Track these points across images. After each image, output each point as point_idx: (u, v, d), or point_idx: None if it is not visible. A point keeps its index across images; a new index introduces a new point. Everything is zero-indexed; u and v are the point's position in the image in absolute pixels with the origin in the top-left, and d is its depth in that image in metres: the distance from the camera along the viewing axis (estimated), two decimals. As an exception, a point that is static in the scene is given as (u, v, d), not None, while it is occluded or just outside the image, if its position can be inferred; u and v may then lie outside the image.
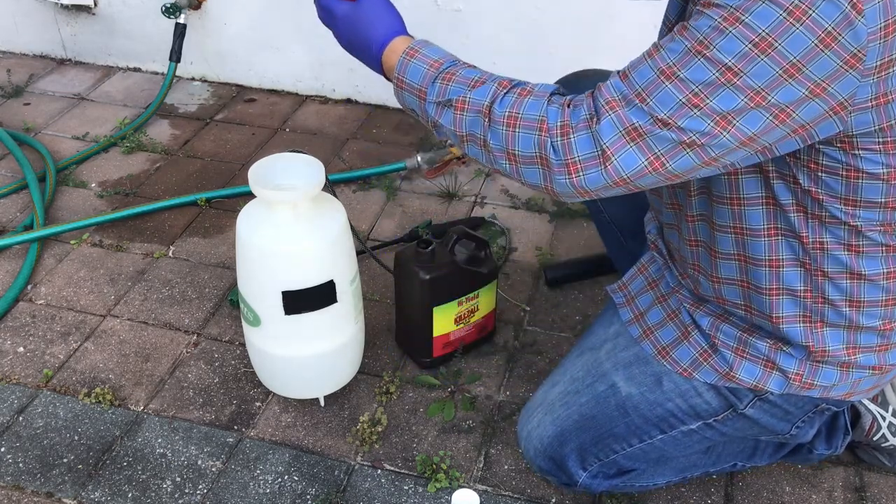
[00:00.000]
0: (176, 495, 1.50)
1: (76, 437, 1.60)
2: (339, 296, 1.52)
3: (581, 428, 1.36)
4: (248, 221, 1.49)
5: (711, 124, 0.97)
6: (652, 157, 1.00)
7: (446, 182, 2.31)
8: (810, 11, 0.91)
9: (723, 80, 0.96)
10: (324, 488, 1.51)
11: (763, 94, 0.95)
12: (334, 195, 1.60)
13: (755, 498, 1.52)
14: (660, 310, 1.34)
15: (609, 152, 1.00)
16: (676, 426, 1.32)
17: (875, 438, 1.52)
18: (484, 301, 1.73)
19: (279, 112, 2.68)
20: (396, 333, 1.82)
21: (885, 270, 1.14)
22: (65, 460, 1.56)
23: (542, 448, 1.40)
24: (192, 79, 2.85)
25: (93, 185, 2.32)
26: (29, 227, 2.12)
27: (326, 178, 1.47)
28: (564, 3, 2.33)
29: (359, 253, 1.70)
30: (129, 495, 1.49)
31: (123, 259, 2.05)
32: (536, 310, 1.92)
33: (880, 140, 1.02)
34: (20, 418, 1.64)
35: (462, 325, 1.72)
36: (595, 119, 1.02)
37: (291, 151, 1.56)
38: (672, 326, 1.32)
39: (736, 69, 0.95)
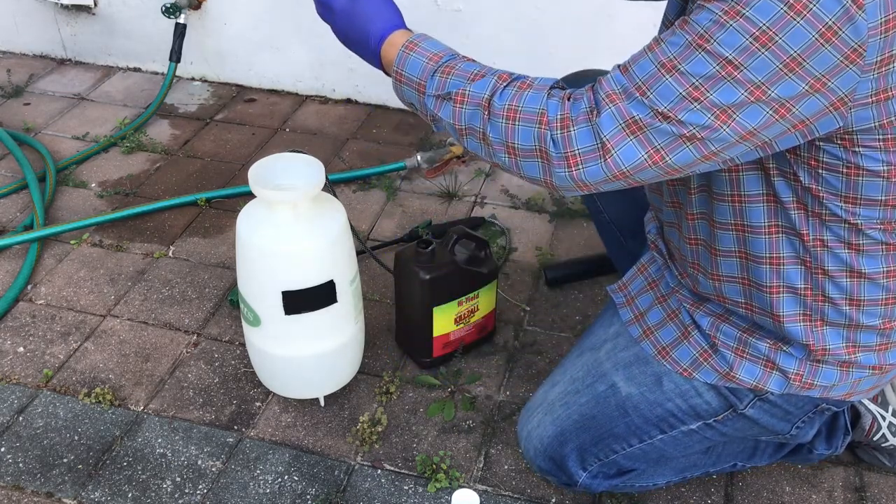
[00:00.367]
0: (176, 495, 1.50)
1: (76, 437, 1.60)
2: (339, 296, 1.52)
3: (581, 428, 1.36)
4: (248, 221, 1.49)
5: (711, 118, 0.98)
6: (652, 151, 1.00)
7: (446, 182, 2.31)
8: (811, 6, 0.91)
9: (723, 73, 0.96)
10: (324, 488, 1.51)
11: (763, 88, 0.96)
12: (334, 195, 1.60)
13: (755, 498, 1.52)
14: (660, 310, 1.34)
15: (609, 145, 1.01)
16: (676, 426, 1.32)
17: (875, 438, 1.52)
18: (484, 301, 1.73)
19: (279, 112, 2.68)
20: (396, 333, 1.82)
21: (885, 269, 1.14)
22: (65, 460, 1.56)
23: (542, 448, 1.40)
24: (192, 79, 2.85)
25: (93, 185, 2.32)
26: (29, 227, 2.12)
27: (326, 178, 1.47)
28: (564, 3, 2.33)
29: (359, 253, 1.70)
30: (129, 495, 1.49)
31: (123, 259, 2.05)
32: (536, 310, 1.92)
33: (880, 137, 1.02)
34: (20, 418, 1.64)
35: (462, 325, 1.72)
36: (595, 112, 1.02)
37: (291, 151, 1.56)
38: (672, 326, 1.32)
39: (736, 63, 0.95)
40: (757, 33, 0.93)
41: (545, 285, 1.98)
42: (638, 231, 1.54)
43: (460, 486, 1.52)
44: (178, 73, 2.73)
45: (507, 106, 1.06)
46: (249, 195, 1.86)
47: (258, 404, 1.68)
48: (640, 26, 1.88)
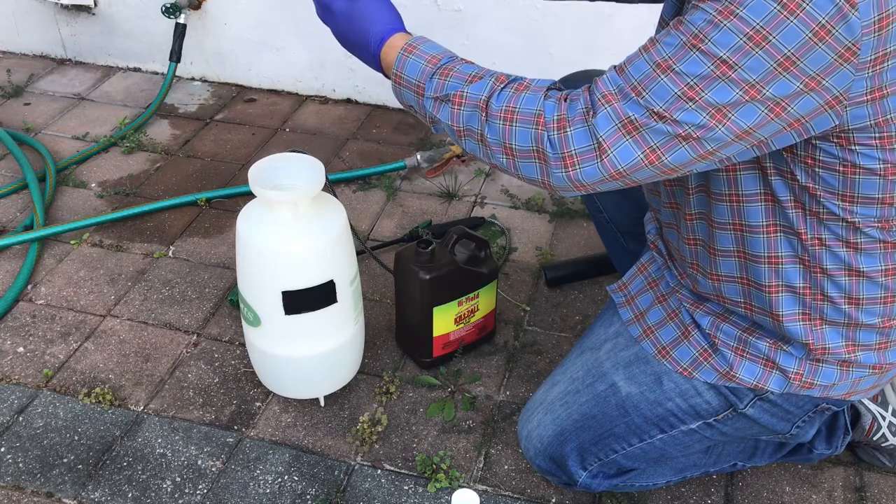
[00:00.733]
0: (176, 495, 1.50)
1: (76, 437, 1.60)
2: (339, 296, 1.52)
3: (581, 428, 1.36)
4: (248, 221, 1.49)
5: (707, 117, 0.98)
6: (648, 150, 1.01)
7: (446, 182, 2.31)
8: (805, 5, 0.91)
9: (718, 73, 0.96)
10: (324, 488, 1.51)
11: (758, 87, 0.96)
12: (334, 195, 1.60)
13: (755, 498, 1.52)
14: (660, 309, 1.34)
15: (605, 145, 1.01)
16: (677, 426, 1.32)
17: (875, 438, 1.52)
18: (484, 301, 1.73)
19: (279, 112, 2.68)
20: (396, 333, 1.82)
21: (884, 267, 1.14)
22: (65, 460, 1.56)
23: (542, 448, 1.40)
24: (192, 79, 2.85)
25: (93, 185, 2.32)
26: (29, 227, 2.12)
27: (326, 178, 1.47)
28: (564, 4, 2.33)
29: (359, 253, 1.70)
30: (129, 495, 1.49)
31: (123, 259, 2.05)
32: (536, 310, 1.92)
33: (876, 135, 1.02)
34: (20, 418, 1.64)
35: (462, 325, 1.72)
36: (591, 112, 1.02)
37: (291, 151, 1.57)
38: (672, 326, 1.32)
39: (731, 62, 0.95)
40: (751, 33, 0.93)
41: (545, 285, 1.98)
42: (638, 231, 1.54)
43: (460, 486, 1.52)
44: (178, 73, 2.73)
45: (504, 107, 1.07)
46: (249, 195, 1.86)
47: (258, 404, 1.68)
48: (638, 27, 1.88)
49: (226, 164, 2.42)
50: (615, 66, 1.05)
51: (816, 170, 1.07)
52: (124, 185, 2.32)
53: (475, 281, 1.68)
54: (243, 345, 1.76)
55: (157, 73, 2.86)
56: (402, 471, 1.55)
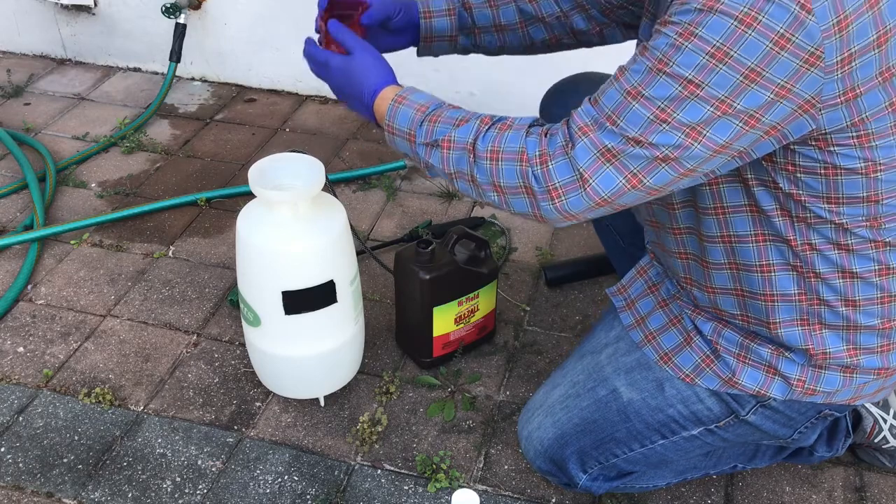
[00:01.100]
0: (176, 495, 1.50)
1: (76, 437, 1.60)
2: (339, 296, 1.52)
3: (582, 432, 1.36)
4: (248, 221, 1.49)
5: (682, 136, 1.00)
6: (629, 175, 1.03)
7: (446, 182, 2.31)
8: (760, 17, 0.93)
9: (686, 93, 0.98)
10: (324, 488, 1.51)
11: (728, 101, 0.98)
12: (334, 195, 1.60)
13: (755, 498, 1.52)
14: (662, 314, 1.34)
15: (587, 175, 1.04)
16: (678, 432, 1.32)
17: (876, 440, 1.52)
18: (484, 301, 1.73)
19: (279, 112, 2.68)
20: (396, 333, 1.82)
21: (877, 267, 1.14)
22: (65, 460, 1.56)
23: (542, 450, 1.40)
24: (192, 79, 2.85)
25: (93, 185, 2.32)
26: (29, 227, 2.12)
27: (326, 178, 1.47)
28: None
29: (359, 253, 1.70)
30: (129, 495, 1.49)
31: (123, 259, 2.05)
32: (536, 310, 1.92)
33: (854, 135, 1.03)
34: (20, 418, 1.64)
35: (462, 325, 1.72)
36: (570, 145, 1.05)
37: (291, 151, 1.57)
38: (675, 332, 1.31)
39: (697, 81, 0.97)
40: (712, 50, 0.96)
41: (545, 285, 1.98)
42: (636, 234, 1.53)
43: (460, 486, 1.52)
44: (178, 73, 2.73)
45: (489, 148, 1.11)
46: (249, 195, 1.86)
47: (258, 404, 1.68)
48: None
49: (226, 164, 2.42)
50: (589, 98, 1.08)
51: (798, 175, 1.08)
52: (124, 185, 2.32)
53: (475, 281, 1.68)
54: (243, 345, 1.76)
55: (157, 73, 2.86)
56: (402, 471, 1.55)
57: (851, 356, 1.20)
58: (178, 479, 1.53)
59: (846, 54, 0.96)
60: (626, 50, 1.23)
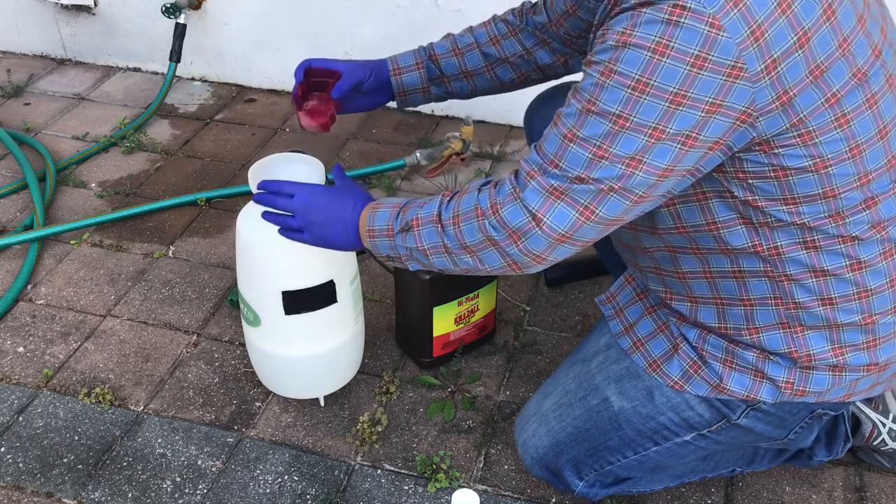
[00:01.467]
0: (176, 495, 1.50)
1: (76, 437, 1.60)
2: (339, 296, 1.52)
3: (575, 440, 1.36)
4: (248, 221, 1.49)
5: (622, 168, 1.03)
6: (581, 208, 1.07)
7: (446, 181, 2.31)
8: (672, 43, 0.96)
9: (617, 127, 1.01)
10: (324, 488, 1.51)
11: (660, 128, 1.00)
12: (334, 195, 1.60)
13: (755, 498, 1.52)
14: (650, 321, 1.34)
15: (539, 214, 1.08)
16: (670, 438, 1.32)
17: (875, 443, 1.52)
18: (484, 301, 1.73)
19: (279, 112, 2.68)
20: (396, 333, 1.82)
21: (848, 263, 1.13)
22: (65, 460, 1.56)
23: (537, 458, 1.40)
24: (192, 79, 2.85)
25: (93, 185, 2.32)
26: (29, 227, 2.12)
27: (326, 178, 1.47)
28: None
29: (359, 253, 1.70)
30: (129, 495, 1.50)
31: (123, 259, 2.05)
32: (536, 310, 1.92)
33: (795, 134, 1.03)
34: (20, 418, 1.64)
35: (462, 325, 1.72)
36: (519, 189, 1.10)
37: (291, 151, 1.57)
38: (662, 338, 1.31)
39: (625, 115, 1.01)
40: (633, 83, 0.99)
41: (545, 285, 1.98)
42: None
43: (460, 486, 1.52)
44: (178, 73, 2.73)
45: (452, 214, 1.17)
46: (249, 195, 1.86)
47: (258, 404, 1.68)
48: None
49: (226, 164, 2.42)
50: (535, 145, 1.11)
51: (750, 181, 1.08)
52: (124, 185, 2.32)
53: (475, 281, 1.68)
54: (243, 345, 1.76)
55: (157, 73, 2.86)
56: (402, 471, 1.55)
57: (837, 355, 1.19)
58: (178, 479, 1.53)
59: (769, 61, 0.98)
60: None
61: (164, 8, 2.58)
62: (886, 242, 1.13)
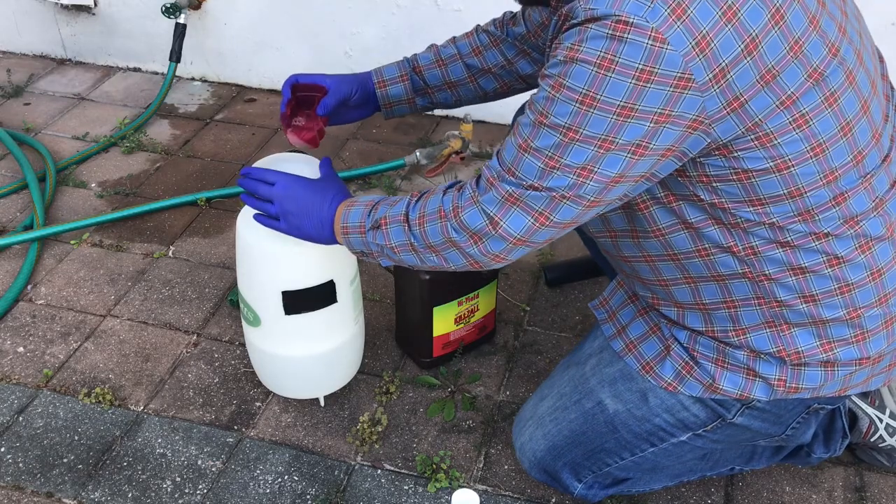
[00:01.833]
0: (176, 495, 1.50)
1: (76, 437, 1.60)
2: (339, 296, 1.52)
3: (572, 444, 1.36)
4: (248, 221, 1.49)
5: (574, 177, 1.06)
6: (536, 214, 1.10)
7: (446, 181, 2.31)
8: (616, 58, 0.98)
9: (567, 139, 1.04)
10: (324, 488, 1.51)
11: (609, 139, 1.02)
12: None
13: (755, 498, 1.52)
14: (642, 323, 1.34)
15: (496, 218, 1.12)
16: (667, 439, 1.32)
17: (872, 440, 1.52)
18: (484, 301, 1.73)
19: (279, 112, 2.67)
20: (396, 333, 1.82)
21: (825, 259, 1.13)
22: (65, 460, 1.56)
23: (535, 461, 1.41)
24: (192, 79, 2.85)
25: (93, 185, 2.32)
26: (29, 227, 2.12)
27: (326, 178, 1.47)
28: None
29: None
30: (129, 495, 1.50)
31: (123, 259, 2.05)
32: (536, 310, 1.92)
33: (752, 138, 1.04)
34: (20, 418, 1.64)
35: (462, 325, 1.72)
36: (479, 194, 1.14)
37: (291, 151, 1.57)
38: (655, 340, 1.31)
39: (574, 127, 1.03)
40: (580, 98, 1.01)
41: (545, 285, 1.98)
42: None
43: (460, 486, 1.52)
44: (178, 73, 2.73)
45: (418, 215, 1.21)
46: (249, 195, 1.86)
47: (258, 404, 1.68)
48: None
49: (226, 164, 2.42)
50: (497, 151, 1.15)
51: (715, 185, 1.09)
52: (124, 185, 2.32)
53: (475, 281, 1.68)
54: (243, 345, 1.76)
55: (157, 73, 2.86)
56: (402, 471, 1.55)
57: (826, 351, 1.19)
58: (178, 479, 1.53)
59: (717, 70, 0.98)
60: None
61: (164, 8, 2.58)
62: (861, 237, 1.13)
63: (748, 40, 0.99)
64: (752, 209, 1.10)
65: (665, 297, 1.27)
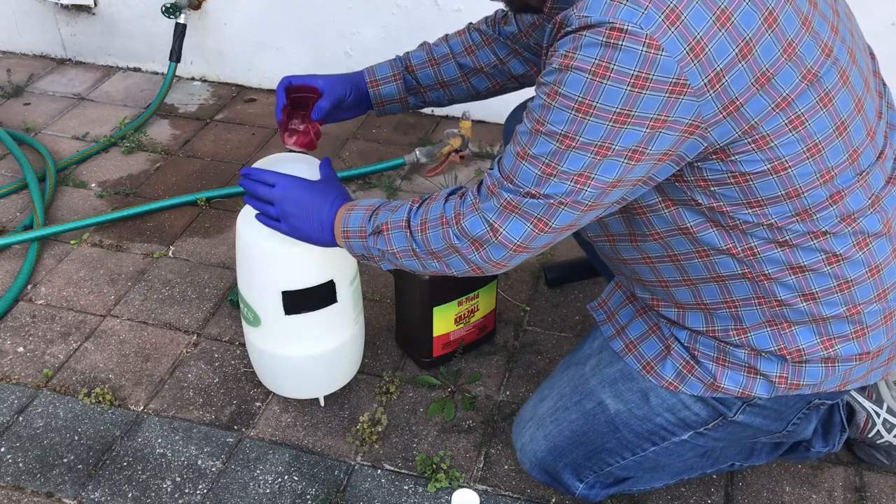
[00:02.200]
0: (176, 495, 1.50)
1: (76, 437, 1.60)
2: (339, 296, 1.52)
3: (573, 444, 1.37)
4: (248, 221, 1.49)
5: (571, 184, 1.06)
6: (535, 220, 1.11)
7: (446, 181, 2.31)
8: (611, 66, 0.98)
9: (563, 146, 1.04)
10: (324, 488, 1.51)
11: (605, 146, 1.02)
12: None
13: (755, 498, 1.52)
14: (641, 322, 1.34)
15: (496, 226, 1.13)
16: (668, 438, 1.32)
17: (870, 436, 1.52)
18: (484, 301, 1.73)
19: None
20: (396, 333, 1.82)
21: (823, 257, 1.13)
22: (65, 460, 1.56)
23: (536, 462, 1.41)
24: (192, 79, 2.85)
25: (93, 185, 2.32)
26: (29, 227, 2.12)
27: (326, 178, 1.47)
28: (564, 3, 2.33)
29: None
30: (129, 495, 1.50)
31: (123, 259, 2.05)
32: (536, 310, 1.92)
33: (749, 140, 1.04)
34: (20, 418, 1.64)
35: (462, 325, 1.72)
36: (479, 202, 1.15)
37: (291, 151, 1.57)
38: (654, 339, 1.31)
39: (570, 134, 1.03)
40: (576, 105, 1.01)
41: (545, 285, 1.98)
42: None
43: (460, 486, 1.52)
44: (178, 73, 2.73)
45: (420, 221, 1.22)
46: (249, 195, 1.86)
47: (258, 404, 1.68)
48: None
49: (226, 164, 2.42)
50: (497, 159, 1.16)
51: (713, 189, 1.09)
52: (124, 185, 2.32)
53: (475, 281, 1.68)
54: (243, 345, 1.76)
55: (157, 73, 2.86)
56: (402, 471, 1.55)
57: (827, 347, 1.19)
58: (178, 479, 1.53)
59: (712, 75, 0.98)
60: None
61: (164, 8, 2.58)
62: (859, 234, 1.14)
63: (742, 44, 0.99)
64: (750, 211, 1.10)
65: (665, 298, 1.27)
